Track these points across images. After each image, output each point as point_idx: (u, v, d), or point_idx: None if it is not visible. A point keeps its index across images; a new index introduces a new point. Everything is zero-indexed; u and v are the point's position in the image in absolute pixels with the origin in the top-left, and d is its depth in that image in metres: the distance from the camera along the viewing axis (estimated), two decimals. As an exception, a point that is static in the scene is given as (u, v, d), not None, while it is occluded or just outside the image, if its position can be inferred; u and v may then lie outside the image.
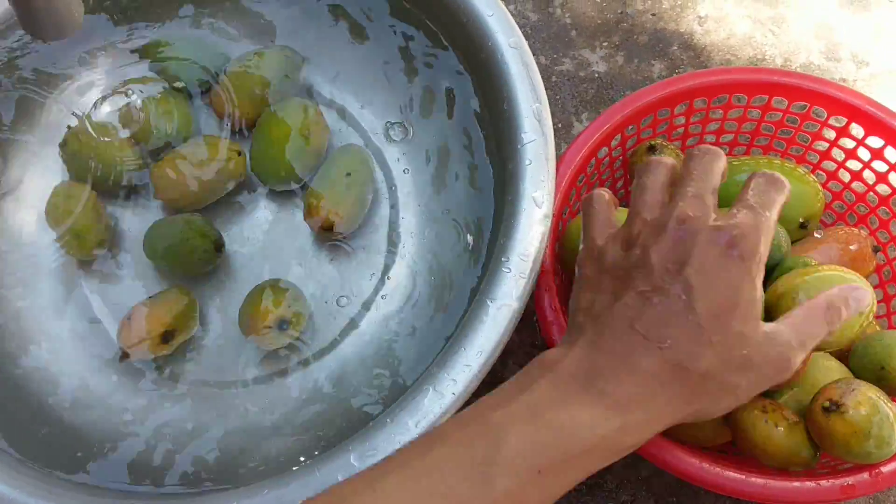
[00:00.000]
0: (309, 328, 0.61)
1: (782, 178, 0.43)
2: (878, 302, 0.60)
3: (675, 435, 0.51)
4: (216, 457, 0.57)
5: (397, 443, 0.46)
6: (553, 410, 0.35)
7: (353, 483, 0.37)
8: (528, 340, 0.65)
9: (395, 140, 0.67)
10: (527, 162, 0.55)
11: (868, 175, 0.63)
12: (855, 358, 0.54)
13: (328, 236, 0.62)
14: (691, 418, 0.40)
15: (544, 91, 0.56)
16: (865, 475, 0.48)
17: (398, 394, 0.54)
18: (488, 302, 0.51)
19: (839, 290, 0.42)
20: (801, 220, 0.60)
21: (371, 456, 0.46)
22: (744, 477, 0.48)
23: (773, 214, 0.40)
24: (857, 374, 0.54)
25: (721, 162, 0.43)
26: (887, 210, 0.62)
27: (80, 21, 0.47)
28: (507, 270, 0.51)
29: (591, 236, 0.46)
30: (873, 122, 0.59)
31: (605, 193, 0.48)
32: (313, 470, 0.46)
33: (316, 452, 0.55)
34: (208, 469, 0.56)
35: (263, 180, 0.63)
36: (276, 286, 0.60)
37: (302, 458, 0.54)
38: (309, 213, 0.61)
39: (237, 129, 0.64)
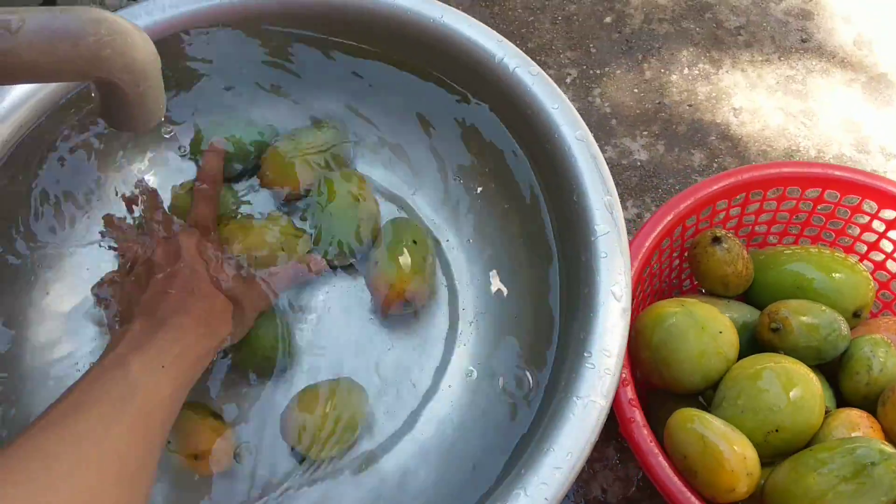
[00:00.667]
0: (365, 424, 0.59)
1: None
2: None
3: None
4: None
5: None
6: (149, 341, 0.48)
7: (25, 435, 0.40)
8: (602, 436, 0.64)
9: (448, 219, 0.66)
10: (602, 255, 0.54)
11: (892, 265, 0.64)
12: None
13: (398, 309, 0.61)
14: (225, 333, 0.54)
15: (614, 184, 0.57)
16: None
17: (473, 495, 0.52)
18: (575, 399, 0.49)
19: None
20: (854, 310, 0.61)
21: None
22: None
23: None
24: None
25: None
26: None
27: (163, 111, 0.47)
28: (591, 367, 0.50)
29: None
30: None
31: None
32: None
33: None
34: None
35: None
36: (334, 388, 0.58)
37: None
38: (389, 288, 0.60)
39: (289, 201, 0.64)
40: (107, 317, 0.59)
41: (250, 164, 0.66)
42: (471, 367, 0.62)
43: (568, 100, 0.60)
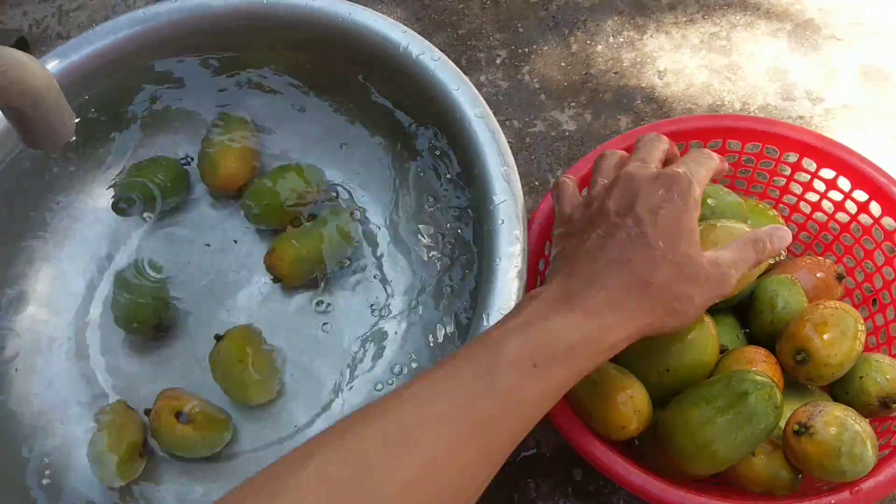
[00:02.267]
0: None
1: (709, 151, 0.51)
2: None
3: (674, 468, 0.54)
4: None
5: None
6: (541, 322, 0.42)
7: (382, 398, 0.39)
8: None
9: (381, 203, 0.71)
10: (500, 221, 0.58)
11: (827, 205, 0.66)
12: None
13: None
14: (658, 325, 0.45)
15: (511, 155, 0.61)
16: (847, 493, 0.50)
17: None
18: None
19: (768, 228, 0.50)
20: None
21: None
22: (730, 504, 0.51)
23: (703, 168, 0.49)
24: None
25: (662, 142, 0.52)
26: (849, 237, 0.65)
27: (72, 131, 0.52)
28: (487, 324, 0.54)
29: (560, 209, 0.53)
30: (823, 154, 0.62)
31: (569, 179, 0.56)
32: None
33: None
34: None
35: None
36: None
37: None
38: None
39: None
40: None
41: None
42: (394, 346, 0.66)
43: (469, 81, 0.64)
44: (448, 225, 0.67)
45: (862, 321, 0.55)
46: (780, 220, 0.64)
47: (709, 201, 0.59)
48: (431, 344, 0.64)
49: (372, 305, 0.67)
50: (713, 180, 0.51)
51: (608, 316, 0.43)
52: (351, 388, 0.64)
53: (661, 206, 0.46)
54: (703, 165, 0.49)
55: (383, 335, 0.66)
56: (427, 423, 0.37)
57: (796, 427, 0.51)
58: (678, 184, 0.46)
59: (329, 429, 0.38)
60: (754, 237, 0.49)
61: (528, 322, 0.42)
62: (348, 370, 0.65)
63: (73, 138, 0.52)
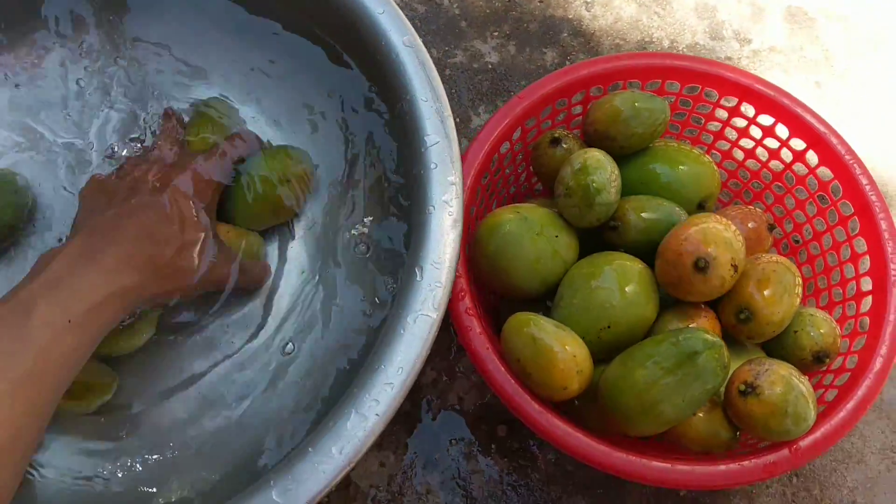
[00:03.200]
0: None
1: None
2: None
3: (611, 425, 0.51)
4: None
5: (321, 472, 0.44)
6: (71, 278, 0.44)
7: None
8: (444, 345, 0.64)
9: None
10: (432, 166, 0.53)
11: (761, 152, 0.64)
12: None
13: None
14: (165, 293, 0.50)
15: (444, 91, 0.55)
16: (786, 451, 0.50)
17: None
18: (404, 314, 0.49)
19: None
20: (698, 201, 0.61)
21: (293, 489, 0.43)
22: (669, 466, 0.49)
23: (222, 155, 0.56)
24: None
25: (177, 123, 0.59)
26: (781, 185, 0.64)
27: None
28: (421, 279, 0.49)
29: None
30: (764, 100, 0.60)
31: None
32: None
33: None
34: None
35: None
36: None
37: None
38: None
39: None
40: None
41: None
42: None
43: (396, 5, 0.57)
44: (373, 171, 0.61)
45: (799, 276, 0.54)
46: (715, 168, 0.61)
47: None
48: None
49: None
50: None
51: (124, 273, 0.46)
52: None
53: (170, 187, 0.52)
54: (217, 157, 0.56)
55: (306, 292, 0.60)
56: None
57: (742, 387, 0.49)
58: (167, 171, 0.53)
59: None
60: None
61: (58, 279, 0.44)
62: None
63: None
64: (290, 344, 0.57)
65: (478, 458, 0.60)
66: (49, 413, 0.42)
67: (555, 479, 0.60)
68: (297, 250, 0.61)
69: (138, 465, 0.54)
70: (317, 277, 0.59)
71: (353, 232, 0.60)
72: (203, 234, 0.52)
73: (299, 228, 0.61)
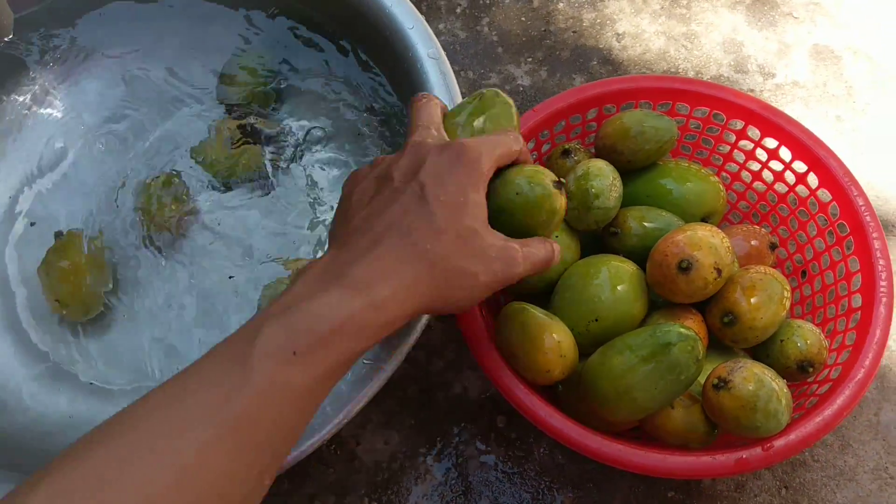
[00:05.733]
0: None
1: (511, 133, 0.49)
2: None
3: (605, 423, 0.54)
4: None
5: (314, 426, 0.49)
6: (304, 302, 0.38)
7: (134, 404, 0.36)
8: (454, 338, 0.68)
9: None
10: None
11: (767, 175, 0.67)
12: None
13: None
14: (440, 304, 0.42)
15: (461, 98, 0.60)
16: (758, 449, 0.52)
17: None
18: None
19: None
20: (701, 217, 0.64)
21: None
22: (643, 452, 0.52)
23: (495, 146, 0.46)
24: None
25: (433, 103, 0.50)
26: (786, 207, 0.67)
27: (9, 28, 0.51)
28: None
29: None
30: (767, 123, 0.63)
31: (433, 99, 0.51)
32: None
33: None
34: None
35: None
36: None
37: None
38: None
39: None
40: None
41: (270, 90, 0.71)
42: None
43: (424, 21, 0.64)
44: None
45: (788, 287, 0.56)
46: (722, 187, 0.64)
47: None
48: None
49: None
50: (509, 160, 0.48)
51: (380, 290, 0.39)
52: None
53: (448, 174, 0.43)
54: (497, 144, 0.46)
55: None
56: (174, 429, 0.33)
57: (715, 381, 0.52)
58: (466, 154, 0.44)
59: (67, 449, 0.33)
60: (545, 241, 0.48)
61: (289, 305, 0.38)
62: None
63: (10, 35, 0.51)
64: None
65: (476, 445, 0.64)
66: (272, 458, 0.37)
67: (547, 470, 0.63)
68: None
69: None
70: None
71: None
72: (481, 225, 0.43)
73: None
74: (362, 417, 0.64)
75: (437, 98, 0.51)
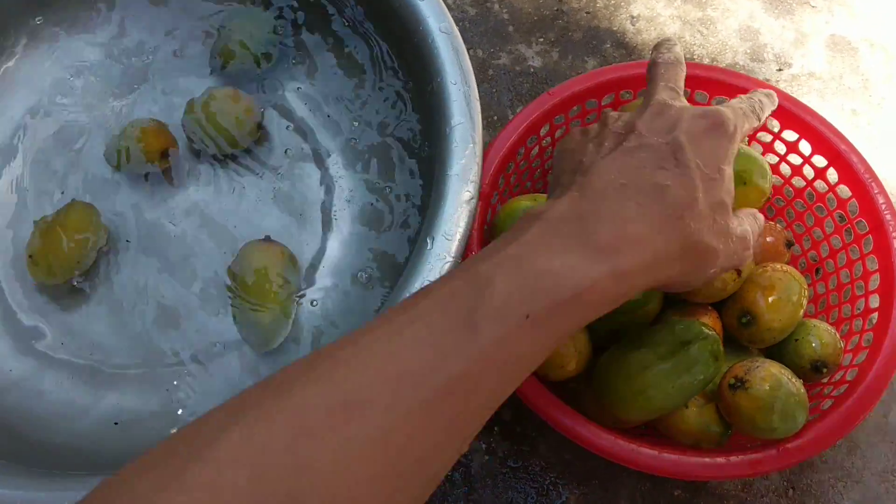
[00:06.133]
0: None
1: (773, 94, 0.47)
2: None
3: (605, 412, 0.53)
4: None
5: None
6: (541, 257, 0.34)
7: (337, 342, 0.33)
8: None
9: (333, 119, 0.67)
10: (454, 144, 0.56)
11: (784, 169, 0.65)
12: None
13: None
14: (678, 280, 0.39)
15: (473, 76, 0.58)
16: (773, 451, 0.50)
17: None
18: (411, 281, 0.51)
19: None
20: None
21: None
22: (656, 453, 0.50)
23: (747, 119, 0.43)
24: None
25: (680, 66, 0.47)
26: (802, 203, 0.65)
27: None
28: (431, 248, 0.52)
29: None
30: (788, 115, 0.61)
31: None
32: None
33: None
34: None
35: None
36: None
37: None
38: None
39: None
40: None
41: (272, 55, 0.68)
42: (344, 266, 0.63)
43: (438, -5, 0.61)
44: (396, 148, 0.64)
45: (806, 287, 0.55)
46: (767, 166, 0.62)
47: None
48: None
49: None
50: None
51: (625, 256, 0.35)
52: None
53: (705, 140, 0.39)
54: (748, 116, 0.43)
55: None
56: (384, 382, 0.30)
57: (732, 381, 0.50)
58: (723, 125, 0.40)
59: (262, 384, 0.31)
60: (755, 214, 0.44)
61: (523, 256, 0.34)
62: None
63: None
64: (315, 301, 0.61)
65: (480, 437, 0.62)
66: (474, 430, 0.34)
67: (552, 466, 0.61)
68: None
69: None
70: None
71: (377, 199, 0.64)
72: (731, 202, 0.40)
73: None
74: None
75: (681, 54, 0.47)
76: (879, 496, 0.61)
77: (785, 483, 0.61)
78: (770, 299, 0.54)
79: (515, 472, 0.61)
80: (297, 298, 0.60)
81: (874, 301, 0.57)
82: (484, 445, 0.62)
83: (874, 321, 0.56)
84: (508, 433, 0.62)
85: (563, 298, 0.33)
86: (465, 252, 0.54)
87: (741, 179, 0.52)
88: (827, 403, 0.54)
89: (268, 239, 0.60)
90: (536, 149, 0.64)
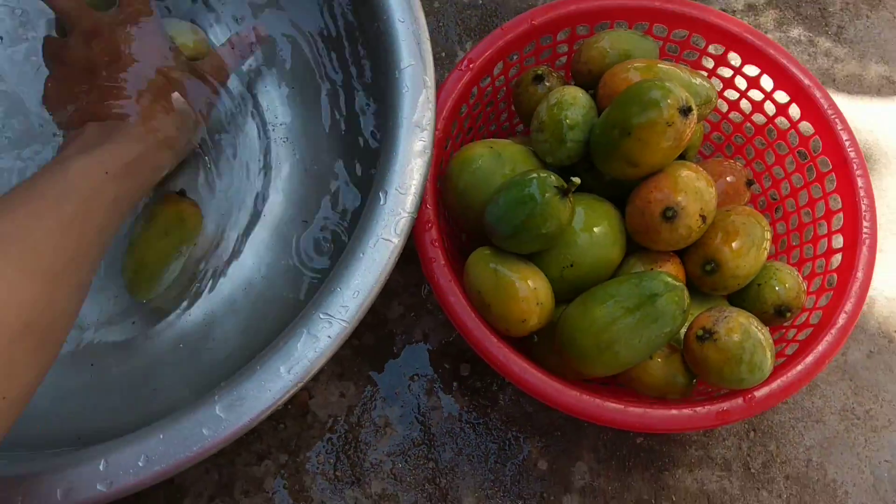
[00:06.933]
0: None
1: None
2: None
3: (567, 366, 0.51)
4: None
5: (267, 391, 0.44)
6: (104, 142, 0.48)
7: None
8: (413, 281, 0.63)
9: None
10: (404, 89, 0.52)
11: (745, 105, 0.63)
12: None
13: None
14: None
15: (422, 13, 0.53)
16: (740, 400, 0.49)
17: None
18: (365, 238, 0.48)
19: None
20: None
21: (237, 405, 0.43)
22: (622, 407, 0.48)
23: None
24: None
25: None
26: (763, 140, 0.63)
27: None
28: (384, 203, 0.49)
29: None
30: (750, 49, 0.59)
31: None
32: (178, 420, 0.44)
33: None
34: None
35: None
36: None
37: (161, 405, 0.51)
38: None
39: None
40: (58, 118, 0.54)
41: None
42: (281, 216, 0.59)
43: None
44: (344, 97, 0.60)
45: (769, 230, 0.53)
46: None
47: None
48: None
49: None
50: None
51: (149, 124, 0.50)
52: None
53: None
54: None
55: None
56: (9, 235, 0.39)
57: (700, 332, 0.49)
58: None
59: None
60: None
61: (89, 145, 0.47)
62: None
63: None
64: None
65: (439, 394, 0.60)
66: (97, 254, 0.44)
67: (514, 420, 0.60)
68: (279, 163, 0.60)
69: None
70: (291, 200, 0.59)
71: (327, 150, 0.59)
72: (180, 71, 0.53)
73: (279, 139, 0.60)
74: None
75: None
76: (839, 434, 0.61)
77: (746, 426, 0.61)
78: (734, 245, 0.52)
79: (476, 429, 0.60)
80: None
81: (837, 241, 0.56)
82: (443, 403, 0.60)
83: (837, 262, 0.55)
84: (467, 389, 0.60)
85: (129, 160, 0.47)
86: (422, 205, 0.51)
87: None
88: (792, 348, 0.53)
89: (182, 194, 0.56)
90: (490, 89, 0.61)
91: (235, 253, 0.58)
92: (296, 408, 0.59)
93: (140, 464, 0.42)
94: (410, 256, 0.52)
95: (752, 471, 0.59)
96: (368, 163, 0.58)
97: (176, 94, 0.53)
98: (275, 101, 0.62)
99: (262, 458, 0.57)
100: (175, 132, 0.52)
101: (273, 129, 0.61)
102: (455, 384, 0.60)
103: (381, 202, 0.49)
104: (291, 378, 0.44)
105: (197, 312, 0.57)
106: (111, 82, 0.51)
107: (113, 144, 0.48)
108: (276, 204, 0.59)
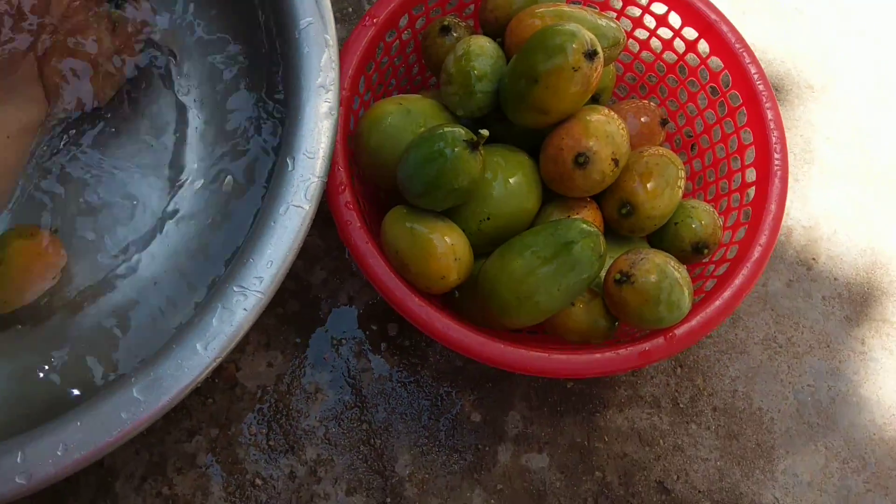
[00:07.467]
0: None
1: None
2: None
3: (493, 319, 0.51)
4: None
5: (185, 369, 0.43)
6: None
7: None
8: (335, 245, 0.62)
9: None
10: (305, 49, 0.50)
11: (655, 43, 0.63)
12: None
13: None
14: None
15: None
16: (661, 339, 0.50)
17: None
18: (275, 206, 0.47)
19: None
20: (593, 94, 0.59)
21: (154, 386, 0.42)
22: (546, 355, 0.49)
23: None
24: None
25: None
26: (675, 78, 0.63)
27: None
28: (293, 169, 0.48)
29: None
30: (656, -12, 0.58)
31: None
32: (95, 405, 0.42)
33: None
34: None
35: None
36: None
37: (77, 392, 0.49)
38: None
39: None
40: None
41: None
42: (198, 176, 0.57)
43: None
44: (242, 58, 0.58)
45: (683, 168, 0.54)
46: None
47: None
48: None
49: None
50: None
51: None
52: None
53: None
54: None
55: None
56: None
57: (617, 276, 0.49)
58: None
59: None
60: None
61: None
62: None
63: None
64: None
65: (368, 356, 0.60)
66: None
67: (445, 375, 0.60)
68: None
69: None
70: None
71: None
72: None
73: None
74: (240, 340, 0.58)
75: None
76: (762, 363, 0.63)
77: (672, 362, 0.62)
78: (648, 186, 0.52)
79: (407, 387, 0.59)
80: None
81: (750, 175, 0.57)
82: (373, 364, 0.59)
83: (751, 196, 0.56)
84: (396, 348, 0.60)
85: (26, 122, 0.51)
86: (332, 168, 0.50)
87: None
88: (710, 283, 0.54)
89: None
90: (397, 43, 0.59)
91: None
92: (223, 381, 0.58)
93: (59, 453, 0.41)
94: (329, 220, 0.51)
95: (681, 406, 0.61)
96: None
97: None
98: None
99: (193, 434, 0.56)
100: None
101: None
102: (384, 345, 0.60)
103: (290, 168, 0.48)
104: (209, 354, 0.44)
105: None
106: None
107: (14, 105, 0.51)
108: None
